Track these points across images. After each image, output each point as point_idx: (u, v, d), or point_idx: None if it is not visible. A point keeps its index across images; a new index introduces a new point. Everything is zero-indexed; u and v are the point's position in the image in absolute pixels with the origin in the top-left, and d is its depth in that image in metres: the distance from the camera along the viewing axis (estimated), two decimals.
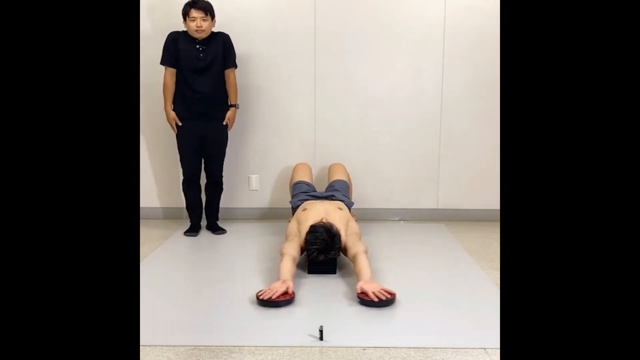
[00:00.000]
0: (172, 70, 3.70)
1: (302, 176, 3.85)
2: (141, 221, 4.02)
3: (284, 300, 2.60)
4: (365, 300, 2.60)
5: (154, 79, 3.79)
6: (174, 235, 3.89)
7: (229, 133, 3.92)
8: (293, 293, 2.66)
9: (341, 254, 3.13)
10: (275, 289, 2.61)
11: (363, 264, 2.80)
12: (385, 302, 2.58)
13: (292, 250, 2.97)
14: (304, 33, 4.12)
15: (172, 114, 3.73)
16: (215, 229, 3.96)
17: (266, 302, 2.58)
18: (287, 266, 2.81)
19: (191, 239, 3.80)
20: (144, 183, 4.24)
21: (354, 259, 2.89)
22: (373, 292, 2.57)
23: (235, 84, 3.86)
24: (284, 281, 2.67)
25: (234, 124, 3.93)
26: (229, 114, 3.84)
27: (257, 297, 2.61)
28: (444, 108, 4.21)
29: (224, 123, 3.82)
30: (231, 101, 3.86)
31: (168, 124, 3.79)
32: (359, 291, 2.62)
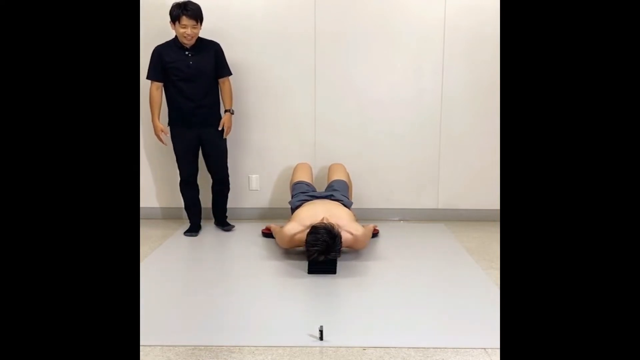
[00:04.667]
0: (158, 84, 3.72)
1: (302, 176, 3.85)
2: (141, 221, 4.03)
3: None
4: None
5: None
6: (174, 235, 3.90)
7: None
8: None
9: (342, 255, 3.14)
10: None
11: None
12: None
13: (279, 226, 3.44)
14: (304, 33, 4.12)
15: (160, 125, 3.77)
16: (224, 224, 4.03)
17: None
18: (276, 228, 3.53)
19: (191, 239, 3.81)
20: (144, 183, 4.24)
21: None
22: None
23: (231, 91, 3.88)
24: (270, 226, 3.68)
25: (230, 129, 3.92)
26: (224, 119, 3.86)
27: None
28: (444, 108, 4.20)
29: (220, 129, 3.83)
30: (226, 107, 3.88)
31: (164, 131, 3.83)
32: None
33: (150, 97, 3.73)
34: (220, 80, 3.83)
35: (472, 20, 4.08)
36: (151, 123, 3.80)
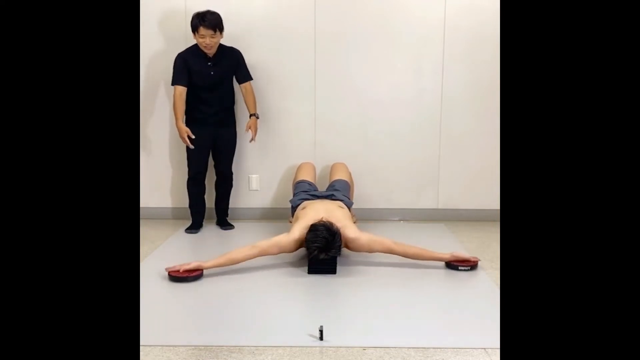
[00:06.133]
0: (182, 89, 3.76)
1: (305, 175, 3.86)
2: (148, 221, 4.04)
3: (191, 276, 2.92)
4: (463, 266, 3.10)
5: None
6: (174, 235, 3.89)
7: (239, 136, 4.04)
8: (201, 272, 2.96)
9: (341, 254, 3.13)
10: (185, 267, 2.93)
11: (413, 246, 3.18)
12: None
13: (264, 243, 3.08)
14: (304, 33, 4.12)
15: (185, 128, 3.77)
16: (223, 224, 4.05)
17: (173, 277, 2.91)
18: (231, 253, 3.04)
19: (191, 239, 3.81)
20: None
21: (393, 248, 3.12)
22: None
23: (254, 94, 3.96)
24: (200, 264, 2.96)
25: (256, 133, 3.99)
26: (250, 123, 3.94)
27: (168, 273, 2.95)
28: (444, 108, 4.20)
29: (246, 132, 3.96)
30: (250, 111, 3.96)
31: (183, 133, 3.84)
32: (455, 259, 3.12)
33: (175, 101, 3.78)
34: (242, 85, 3.92)
35: (472, 20, 4.08)
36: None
